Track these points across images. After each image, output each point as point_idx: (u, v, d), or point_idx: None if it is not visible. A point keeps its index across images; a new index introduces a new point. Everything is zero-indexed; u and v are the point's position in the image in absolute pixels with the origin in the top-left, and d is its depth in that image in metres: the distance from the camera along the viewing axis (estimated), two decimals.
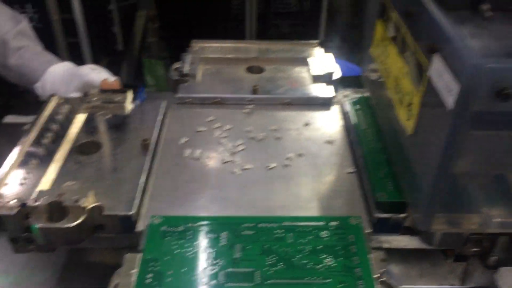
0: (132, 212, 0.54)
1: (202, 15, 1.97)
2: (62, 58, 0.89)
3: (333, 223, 0.53)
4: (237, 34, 2.46)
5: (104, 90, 0.75)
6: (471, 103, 0.40)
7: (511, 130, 0.43)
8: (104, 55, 1.57)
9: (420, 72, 0.49)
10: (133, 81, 1.54)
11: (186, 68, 0.80)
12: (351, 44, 2.21)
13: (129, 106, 0.72)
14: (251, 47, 0.88)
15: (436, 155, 0.45)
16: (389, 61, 0.60)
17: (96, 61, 1.45)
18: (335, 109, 0.76)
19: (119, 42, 1.65)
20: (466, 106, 0.40)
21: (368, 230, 0.55)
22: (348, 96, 0.87)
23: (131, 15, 1.85)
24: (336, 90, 0.79)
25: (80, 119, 0.69)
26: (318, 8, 2.41)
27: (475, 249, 0.59)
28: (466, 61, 0.39)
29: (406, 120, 0.53)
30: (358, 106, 0.72)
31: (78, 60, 1.20)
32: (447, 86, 0.42)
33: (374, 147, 0.63)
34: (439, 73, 0.44)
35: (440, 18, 0.45)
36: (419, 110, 0.50)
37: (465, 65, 0.39)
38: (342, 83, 0.91)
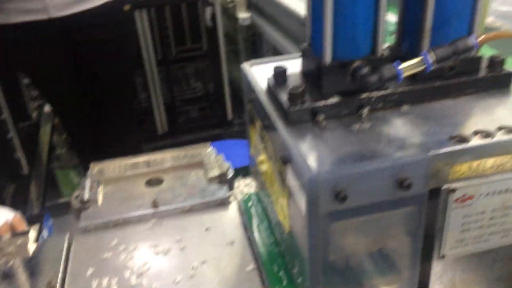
0: None
1: (108, 115, 1.97)
2: None
3: None
4: (148, 126, 2.53)
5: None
6: (317, 208, 0.47)
7: (360, 217, 0.50)
8: (9, 182, 1.55)
9: (283, 178, 0.56)
10: (42, 205, 1.52)
11: (86, 195, 0.83)
12: None
13: (31, 247, 0.73)
14: (149, 160, 0.93)
15: (306, 250, 0.51)
16: (263, 164, 0.68)
17: (1, 190, 1.42)
18: (233, 207, 0.81)
19: (24, 166, 1.64)
20: (315, 211, 0.47)
21: None
22: (249, 185, 0.93)
23: (34, 133, 1.84)
24: (231, 188, 0.85)
25: None
26: (222, 88, 2.54)
27: None
28: (305, 175, 0.46)
29: (283, 219, 0.60)
30: (250, 202, 0.78)
31: None
32: (299, 194, 0.49)
33: (267, 242, 0.69)
34: (292, 182, 0.51)
35: (284, 133, 0.53)
36: (288, 211, 0.57)
37: (305, 178, 0.46)
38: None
